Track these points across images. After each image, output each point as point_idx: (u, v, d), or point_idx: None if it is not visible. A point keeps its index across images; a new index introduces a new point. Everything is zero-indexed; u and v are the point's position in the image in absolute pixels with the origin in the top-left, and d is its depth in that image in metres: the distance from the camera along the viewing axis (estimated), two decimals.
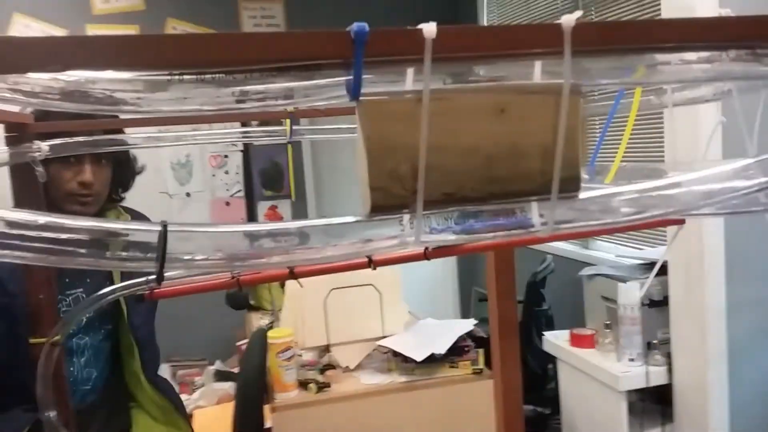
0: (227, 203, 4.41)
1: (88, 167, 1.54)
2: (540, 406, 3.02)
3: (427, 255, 0.80)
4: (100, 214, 1.64)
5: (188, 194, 4.36)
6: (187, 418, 1.70)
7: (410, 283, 2.55)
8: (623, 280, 2.19)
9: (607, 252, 3.10)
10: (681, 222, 0.60)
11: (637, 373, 2.09)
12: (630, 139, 2.69)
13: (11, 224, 0.48)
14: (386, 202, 0.37)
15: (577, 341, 2.36)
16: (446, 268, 5.00)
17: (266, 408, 2.18)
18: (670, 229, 2.05)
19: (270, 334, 2.13)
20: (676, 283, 2.02)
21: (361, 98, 0.35)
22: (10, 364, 1.47)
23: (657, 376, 2.10)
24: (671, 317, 2.06)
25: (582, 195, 0.44)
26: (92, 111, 0.38)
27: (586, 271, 2.45)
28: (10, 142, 0.94)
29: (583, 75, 0.42)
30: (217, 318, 3.95)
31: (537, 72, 0.40)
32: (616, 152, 0.83)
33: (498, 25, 3.54)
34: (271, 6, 4.31)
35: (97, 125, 1.36)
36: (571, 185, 0.40)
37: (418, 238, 0.42)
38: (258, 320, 3.14)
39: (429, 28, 0.34)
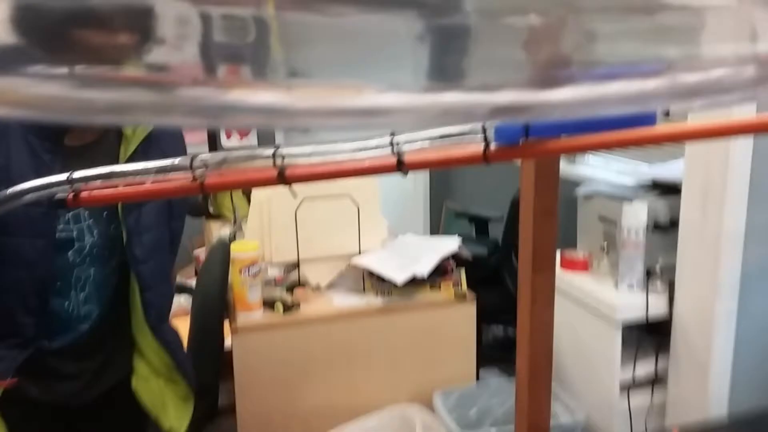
0: None
1: None
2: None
3: (490, 157, 0.54)
4: None
5: None
6: (190, 376, 1.45)
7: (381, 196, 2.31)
8: (628, 199, 1.98)
9: (599, 168, 2.90)
10: None
11: (636, 302, 1.92)
12: None
13: None
14: None
15: (568, 264, 2.17)
16: (417, 180, 4.76)
17: (226, 327, 1.95)
18: (687, 147, 1.84)
19: (233, 246, 1.88)
20: (690, 205, 1.82)
21: None
22: None
23: (657, 306, 1.93)
24: (680, 242, 1.87)
25: None
26: None
27: (583, 190, 2.24)
28: None
29: None
30: None
31: None
32: None
33: None
34: None
35: None
36: None
37: None
38: (218, 230, 2.87)
39: None
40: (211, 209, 3.07)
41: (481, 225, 3.47)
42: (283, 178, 0.55)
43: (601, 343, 1.98)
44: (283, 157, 0.54)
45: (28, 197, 0.70)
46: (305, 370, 1.95)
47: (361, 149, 0.53)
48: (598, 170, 2.86)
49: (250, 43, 0.32)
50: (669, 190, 2.02)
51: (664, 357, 1.96)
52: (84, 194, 0.63)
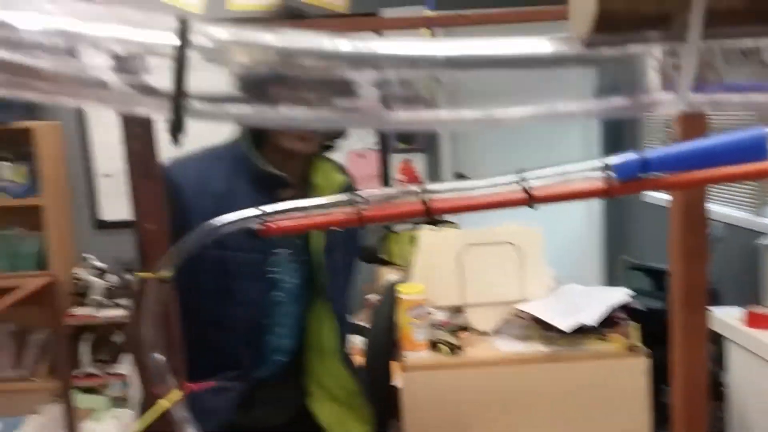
0: (361, 155, 4.33)
1: None
2: None
3: (611, 191, 0.59)
4: (309, 161, 1.52)
5: None
6: (367, 404, 1.64)
7: (551, 246, 2.31)
8: None
9: None
10: None
11: None
12: None
13: None
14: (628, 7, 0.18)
15: (755, 321, 2.02)
16: (591, 232, 4.65)
17: (395, 366, 2.06)
18: None
19: (400, 288, 2.00)
20: None
21: None
22: (218, 324, 1.43)
23: None
24: None
25: None
26: None
27: (766, 239, 2.09)
28: None
29: None
30: None
31: None
32: None
33: None
34: None
35: None
36: None
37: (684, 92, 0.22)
38: (390, 276, 3.04)
39: None
40: (383, 256, 3.26)
41: (658, 278, 3.30)
42: (427, 210, 0.64)
43: None
44: (428, 193, 0.64)
45: (226, 228, 0.86)
46: (471, 412, 1.99)
47: (493, 185, 0.61)
48: None
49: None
50: None
51: None
52: (272, 225, 0.77)
